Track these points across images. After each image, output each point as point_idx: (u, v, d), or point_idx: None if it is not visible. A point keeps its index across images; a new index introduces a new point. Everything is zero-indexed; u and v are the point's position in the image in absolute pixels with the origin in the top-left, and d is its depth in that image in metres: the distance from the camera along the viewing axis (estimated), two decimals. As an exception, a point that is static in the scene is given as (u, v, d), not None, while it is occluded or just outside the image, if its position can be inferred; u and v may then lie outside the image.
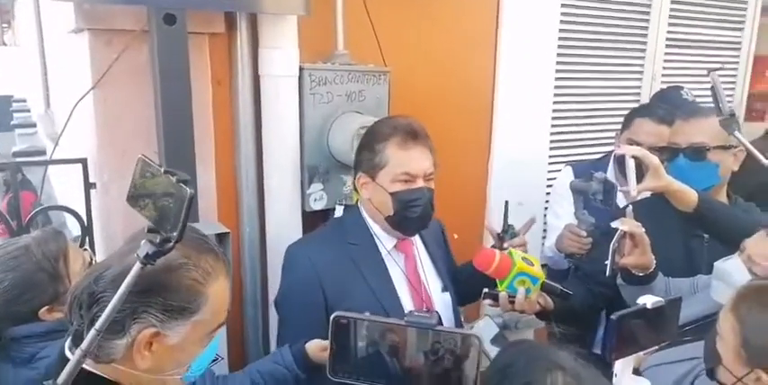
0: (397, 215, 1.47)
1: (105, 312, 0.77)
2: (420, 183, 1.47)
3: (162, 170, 0.80)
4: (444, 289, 1.63)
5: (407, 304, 1.51)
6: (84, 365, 0.86)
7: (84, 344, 0.77)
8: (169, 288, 0.87)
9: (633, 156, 1.56)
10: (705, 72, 2.29)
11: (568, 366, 0.83)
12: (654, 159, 1.56)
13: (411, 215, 1.46)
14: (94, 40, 1.59)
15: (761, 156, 1.57)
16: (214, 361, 1.74)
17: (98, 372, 0.89)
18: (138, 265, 0.77)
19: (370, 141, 1.51)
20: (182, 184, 0.76)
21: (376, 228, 1.55)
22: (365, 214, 1.56)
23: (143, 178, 0.83)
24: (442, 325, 0.96)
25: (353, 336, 0.95)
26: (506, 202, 1.63)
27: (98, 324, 0.77)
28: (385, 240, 1.54)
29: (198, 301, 0.89)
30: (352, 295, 1.43)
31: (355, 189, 1.58)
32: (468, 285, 1.70)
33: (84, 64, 1.64)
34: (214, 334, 0.97)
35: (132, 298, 0.84)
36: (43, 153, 3.86)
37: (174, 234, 0.76)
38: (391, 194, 1.46)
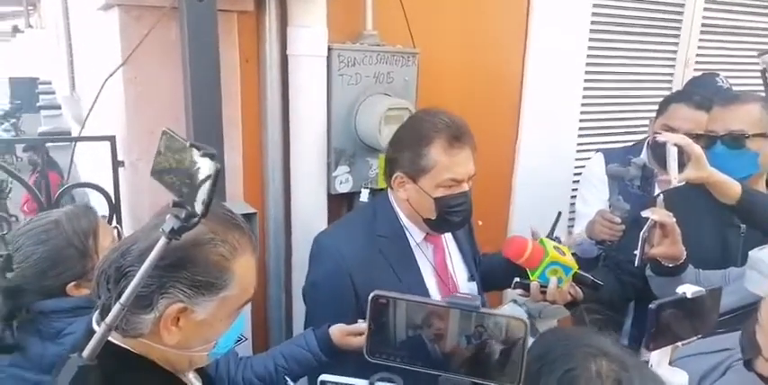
0: (439, 218, 1.44)
1: (130, 286, 0.76)
2: (465, 187, 1.43)
3: (188, 144, 0.78)
4: (471, 278, 1.60)
5: (435, 296, 1.49)
6: (112, 339, 0.87)
7: (108, 318, 0.76)
8: (197, 263, 0.86)
9: (675, 144, 1.50)
10: (740, 59, 2.21)
11: (612, 352, 0.80)
12: (697, 148, 1.51)
13: (453, 219, 1.44)
14: (124, 16, 1.58)
15: None
16: (238, 341, 1.74)
17: (126, 346, 0.89)
18: (163, 240, 0.76)
19: (414, 141, 1.43)
20: (208, 158, 0.75)
21: (406, 221, 1.51)
22: (396, 206, 1.52)
23: (168, 152, 0.82)
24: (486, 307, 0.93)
25: (392, 317, 0.92)
26: (559, 213, 1.59)
27: (123, 298, 0.76)
28: (414, 233, 1.51)
29: (225, 277, 0.89)
30: (380, 288, 1.39)
31: (390, 185, 1.51)
32: (492, 275, 1.69)
33: (113, 41, 1.63)
34: (240, 310, 0.96)
35: (160, 272, 0.84)
36: (69, 134, 3.89)
37: (200, 209, 0.75)
38: (435, 199, 1.41)
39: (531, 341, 0.89)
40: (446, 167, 1.40)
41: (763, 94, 2.02)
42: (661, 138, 1.55)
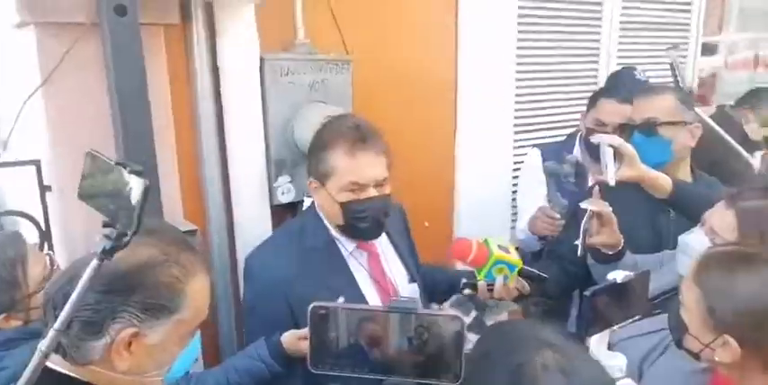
0: (348, 225, 1.42)
1: (64, 311, 0.73)
2: (371, 192, 1.39)
3: (113, 162, 0.77)
4: (411, 280, 1.60)
5: (375, 302, 1.47)
6: (58, 367, 0.85)
7: (43, 345, 0.73)
8: (148, 286, 0.85)
9: (610, 145, 1.57)
10: (657, 53, 2.33)
11: (557, 343, 0.82)
12: (629, 148, 1.57)
13: (361, 226, 1.41)
14: (42, 34, 1.51)
15: (722, 131, 1.61)
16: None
17: (73, 375, 0.86)
18: (95, 262, 0.74)
19: (317, 147, 1.44)
20: (135, 175, 0.74)
21: (334, 231, 1.49)
22: (323, 216, 1.50)
23: (94, 173, 0.80)
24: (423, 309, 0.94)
25: (333, 327, 0.92)
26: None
27: (57, 323, 0.73)
28: (345, 241, 1.49)
29: (178, 299, 0.87)
30: (316, 300, 1.38)
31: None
32: (435, 288, 1.67)
33: (31, 60, 1.56)
34: (194, 333, 0.95)
35: (110, 297, 0.82)
36: (-10, 159, 3.68)
37: (131, 227, 0.73)
38: (340, 204, 1.39)
39: (476, 336, 0.91)
40: (348, 171, 1.38)
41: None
42: (595, 139, 1.62)
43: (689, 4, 3.30)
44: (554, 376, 0.77)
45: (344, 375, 0.93)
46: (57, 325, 0.74)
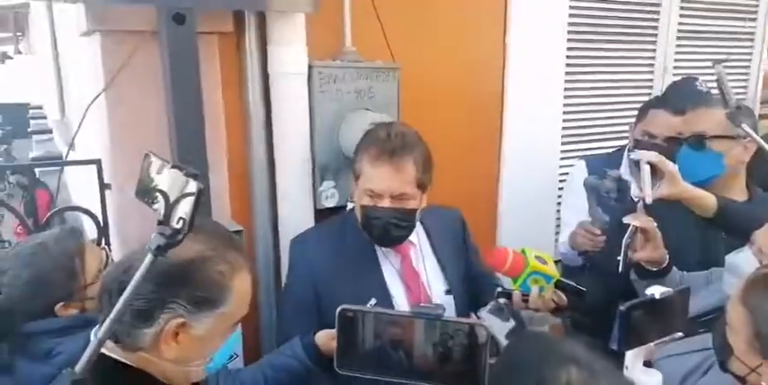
0: (364, 227, 1.49)
1: (120, 301, 0.78)
2: (385, 203, 1.44)
3: (170, 165, 0.82)
4: (448, 292, 1.60)
5: (402, 304, 1.50)
6: (111, 353, 0.91)
7: (100, 333, 0.78)
8: (198, 280, 0.90)
9: (649, 162, 1.54)
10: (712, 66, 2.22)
11: (582, 359, 0.80)
12: (670, 165, 1.53)
13: (372, 231, 1.48)
14: (105, 42, 1.61)
15: None
16: (230, 358, 1.75)
17: (125, 360, 0.92)
18: (150, 257, 0.78)
19: (357, 147, 1.52)
20: (191, 178, 0.78)
21: None
22: None
23: (151, 174, 0.85)
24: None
25: (360, 329, 0.94)
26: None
27: (113, 313, 0.78)
28: None
29: (224, 294, 0.93)
30: (341, 294, 1.40)
31: None
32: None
33: (96, 66, 1.66)
34: (236, 326, 1.00)
35: (162, 288, 0.88)
36: (59, 158, 3.91)
37: (184, 226, 0.78)
38: (361, 206, 1.48)
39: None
40: (368, 178, 1.45)
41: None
42: (635, 155, 1.58)
43: (754, 12, 3.17)
44: None
45: (369, 377, 0.95)
46: (113, 315, 0.79)
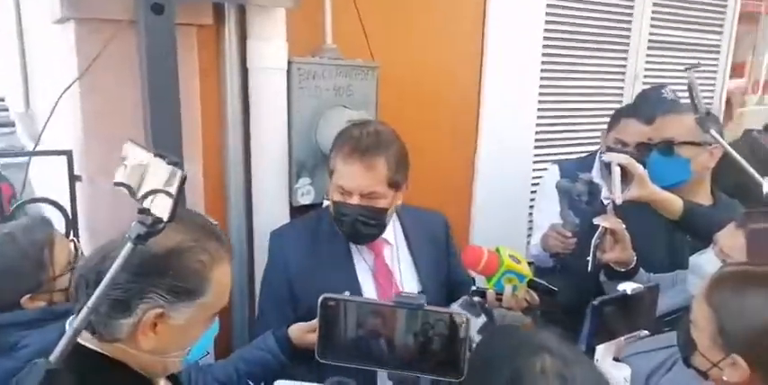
0: (335, 222, 1.52)
1: (98, 290, 0.77)
2: (355, 200, 1.46)
3: (152, 154, 0.81)
4: (421, 293, 1.59)
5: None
6: (87, 344, 0.89)
7: (76, 322, 0.76)
8: (177, 270, 0.89)
9: (619, 164, 1.58)
10: (684, 74, 2.30)
11: (554, 348, 0.83)
12: (639, 168, 1.58)
13: (342, 227, 1.50)
14: (80, 30, 1.57)
15: (736, 154, 1.60)
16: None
17: (101, 351, 0.90)
18: (129, 246, 0.77)
19: (333, 145, 1.55)
20: (173, 166, 0.77)
21: None
22: None
23: (133, 162, 0.84)
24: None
25: (342, 318, 0.95)
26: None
27: (90, 301, 0.77)
28: None
29: (203, 284, 0.92)
30: (314, 289, 1.38)
31: None
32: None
33: (69, 55, 1.62)
34: (214, 317, 0.99)
35: (140, 278, 0.86)
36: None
37: (166, 215, 0.77)
38: (332, 201, 1.51)
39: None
40: (339, 174, 1.49)
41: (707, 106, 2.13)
42: (606, 158, 1.63)
43: (720, 26, 3.29)
44: (551, 381, 0.78)
45: (350, 366, 0.95)
46: (90, 303, 0.77)
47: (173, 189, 0.77)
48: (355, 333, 0.94)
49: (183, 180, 0.77)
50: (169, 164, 0.79)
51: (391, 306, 0.92)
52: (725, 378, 1.07)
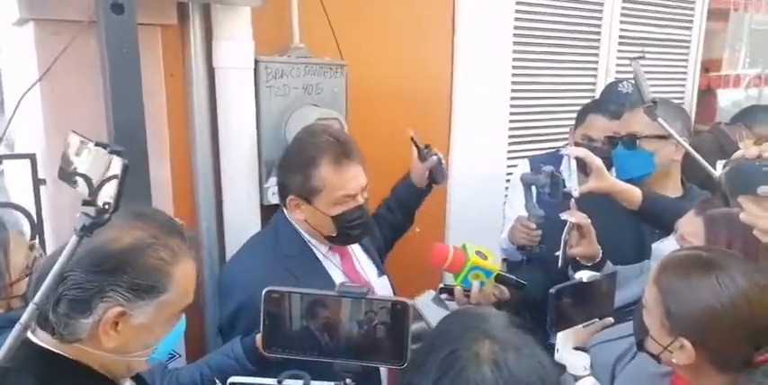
0: (340, 234, 1.50)
1: (43, 285, 0.76)
2: (360, 200, 1.48)
3: (93, 143, 0.81)
4: (380, 273, 1.68)
5: None
6: (46, 345, 0.88)
7: (22, 318, 0.76)
8: (136, 267, 0.88)
9: (576, 157, 1.60)
10: (656, 69, 2.31)
11: (498, 333, 0.83)
12: (597, 160, 1.61)
13: (354, 233, 1.51)
14: (40, 31, 1.55)
15: (684, 143, 1.63)
16: (171, 357, 1.71)
17: (59, 351, 0.89)
18: (74, 238, 0.77)
19: (301, 164, 1.49)
20: (115, 155, 0.77)
21: (308, 237, 1.57)
22: (295, 224, 1.57)
23: (75, 153, 0.83)
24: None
25: (286, 310, 0.96)
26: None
27: (36, 297, 0.76)
28: (319, 246, 1.58)
29: (165, 281, 0.91)
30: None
31: (285, 207, 1.57)
32: (407, 202, 1.83)
33: (29, 57, 1.60)
34: (180, 316, 0.98)
35: (99, 276, 0.85)
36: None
37: (111, 205, 0.76)
38: (332, 218, 1.47)
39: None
40: (337, 186, 1.46)
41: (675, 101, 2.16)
42: (564, 151, 1.66)
43: (690, 21, 3.33)
44: (482, 366, 0.79)
45: (296, 358, 0.95)
46: (36, 299, 0.76)
47: (116, 178, 0.76)
48: (300, 324, 0.95)
49: (126, 169, 0.76)
50: (111, 153, 0.78)
51: (335, 296, 0.93)
52: (674, 360, 1.08)
